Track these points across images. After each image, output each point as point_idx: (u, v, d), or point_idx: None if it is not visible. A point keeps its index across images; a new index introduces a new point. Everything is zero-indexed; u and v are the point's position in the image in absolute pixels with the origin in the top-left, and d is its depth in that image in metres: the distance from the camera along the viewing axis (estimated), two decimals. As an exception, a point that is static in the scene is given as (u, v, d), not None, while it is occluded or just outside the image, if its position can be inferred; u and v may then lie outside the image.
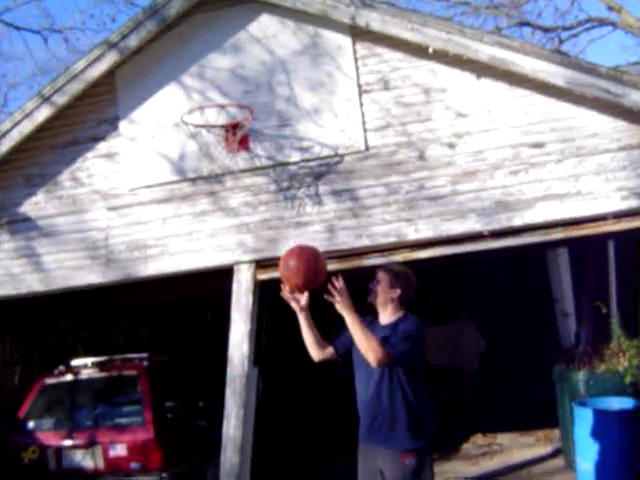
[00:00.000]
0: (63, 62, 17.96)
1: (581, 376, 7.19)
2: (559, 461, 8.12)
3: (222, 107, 7.33)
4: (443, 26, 6.99)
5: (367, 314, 4.80)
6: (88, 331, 11.10)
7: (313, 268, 4.59)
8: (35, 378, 8.38)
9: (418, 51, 7.13)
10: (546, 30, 18.45)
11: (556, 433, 8.58)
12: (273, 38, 7.48)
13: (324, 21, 7.28)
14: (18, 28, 18.39)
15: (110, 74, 7.73)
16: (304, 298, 4.65)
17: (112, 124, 7.82)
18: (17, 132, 7.78)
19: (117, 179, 7.79)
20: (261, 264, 7.39)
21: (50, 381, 8.10)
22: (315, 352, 4.79)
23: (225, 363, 7.27)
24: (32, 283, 7.92)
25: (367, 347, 4.37)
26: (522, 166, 6.98)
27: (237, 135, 7.26)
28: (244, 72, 7.52)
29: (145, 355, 8.20)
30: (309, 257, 4.63)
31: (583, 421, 6.62)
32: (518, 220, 6.92)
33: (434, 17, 7.10)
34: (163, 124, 7.66)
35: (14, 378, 9.56)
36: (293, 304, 4.65)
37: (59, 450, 7.62)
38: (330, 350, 4.80)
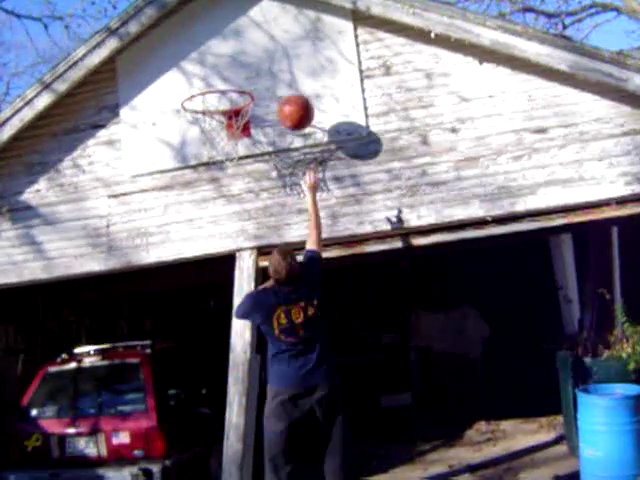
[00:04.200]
0: (65, 50, 17.90)
1: (584, 363, 7.17)
2: (562, 447, 8.11)
3: (223, 93, 7.30)
4: (445, 10, 6.95)
5: None
6: (91, 319, 11.09)
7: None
8: (38, 366, 8.38)
9: (420, 36, 7.09)
10: (550, 15, 18.33)
11: (559, 419, 8.57)
12: (274, 23, 7.43)
13: (325, 6, 7.24)
14: (19, 16, 18.35)
15: (110, 61, 7.69)
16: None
17: (113, 111, 7.79)
18: (17, 119, 7.76)
19: (118, 166, 7.77)
20: (263, 251, 7.37)
21: (53, 369, 8.11)
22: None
23: (227, 350, 7.27)
24: (34, 271, 7.91)
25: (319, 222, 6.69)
26: (525, 151, 6.94)
27: (239, 121, 7.23)
28: (245, 58, 7.48)
29: (148, 343, 8.19)
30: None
31: (586, 408, 6.60)
32: (521, 206, 6.89)
33: (436, 2, 7.03)
34: (164, 110, 7.62)
35: (17, 366, 9.57)
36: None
37: (62, 438, 7.65)
38: None
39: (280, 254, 6.01)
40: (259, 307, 6.07)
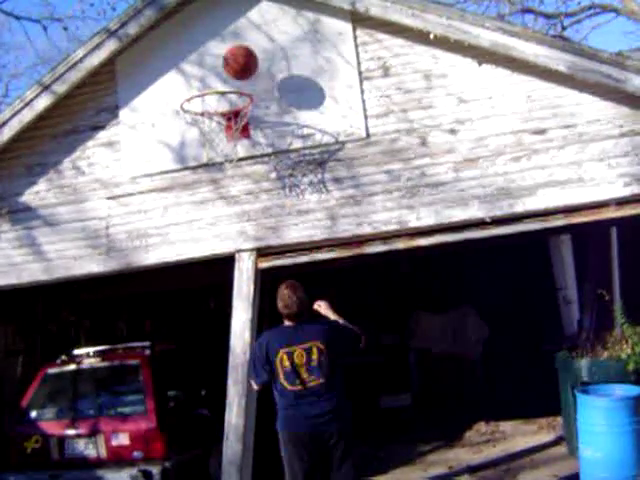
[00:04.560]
0: (64, 52, 17.90)
1: (584, 363, 7.17)
2: (562, 448, 8.11)
3: (222, 94, 7.30)
4: (444, 12, 6.95)
5: None
6: (90, 320, 11.09)
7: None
8: (38, 368, 8.37)
9: (419, 37, 7.09)
10: (549, 16, 18.34)
11: (559, 420, 8.57)
12: (273, 24, 7.43)
13: (324, 7, 7.24)
14: (18, 17, 18.34)
15: (110, 62, 7.70)
16: None
17: (112, 112, 7.80)
18: (17, 121, 7.76)
19: (118, 168, 7.77)
20: (262, 252, 7.38)
21: (52, 371, 8.11)
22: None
23: (227, 351, 7.27)
24: (34, 273, 7.91)
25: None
26: (524, 152, 6.94)
27: (238, 123, 7.23)
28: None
29: (147, 344, 8.18)
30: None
31: (586, 408, 6.60)
32: (520, 207, 6.89)
33: (435, 3, 7.04)
34: (163, 112, 7.63)
35: (17, 368, 9.56)
36: None
37: (62, 439, 7.64)
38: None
39: (290, 288, 5.61)
40: (265, 355, 5.59)
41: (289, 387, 5.49)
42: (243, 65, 7.12)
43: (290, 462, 5.54)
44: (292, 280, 5.80)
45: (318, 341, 5.49)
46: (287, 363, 5.47)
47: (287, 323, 5.64)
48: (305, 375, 5.46)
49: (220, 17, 7.53)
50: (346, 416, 5.58)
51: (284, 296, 5.59)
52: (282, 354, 5.49)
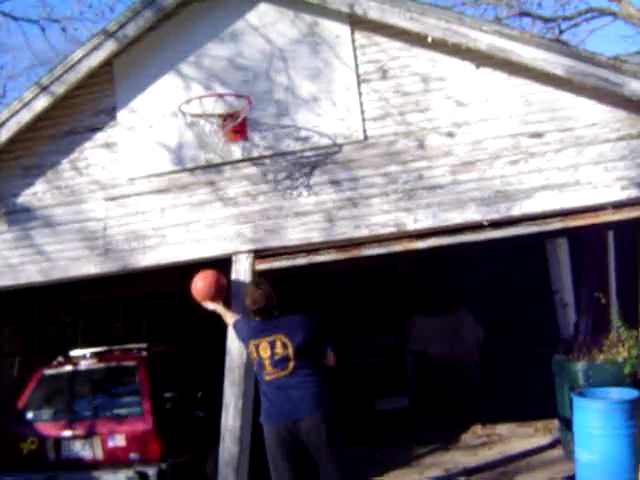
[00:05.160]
0: (62, 53, 17.88)
1: (580, 366, 7.18)
2: (558, 451, 8.11)
3: (220, 96, 7.31)
4: (442, 15, 6.96)
5: None
6: (87, 322, 11.08)
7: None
8: (34, 369, 8.36)
9: (417, 40, 7.11)
10: (546, 20, 18.38)
11: (555, 423, 8.57)
12: (271, 27, 7.44)
13: (322, 9, 7.25)
14: (16, 18, 18.30)
15: (108, 63, 7.69)
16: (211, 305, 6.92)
17: (110, 114, 7.79)
18: (15, 122, 7.75)
19: (115, 169, 7.77)
20: (260, 254, 7.38)
21: (49, 372, 8.10)
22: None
23: (224, 353, 7.26)
24: (31, 274, 7.90)
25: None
26: (521, 156, 6.96)
27: (235, 124, 7.24)
28: (242, 61, 7.48)
29: (144, 345, 8.18)
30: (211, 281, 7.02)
31: (582, 412, 6.61)
32: (517, 210, 6.90)
33: (433, 6, 7.06)
34: (161, 113, 7.63)
35: (13, 369, 9.55)
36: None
37: (58, 441, 7.64)
38: None
39: (253, 284, 6.23)
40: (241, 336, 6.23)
41: (259, 377, 5.94)
42: (200, 290, 7.06)
43: (272, 459, 5.79)
44: (258, 277, 6.39)
45: (282, 334, 5.80)
46: (255, 355, 5.89)
47: (256, 318, 6.05)
48: (269, 368, 5.79)
49: (218, 19, 7.54)
50: (325, 411, 5.71)
51: (251, 292, 6.02)
52: (251, 346, 5.92)
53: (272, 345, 5.79)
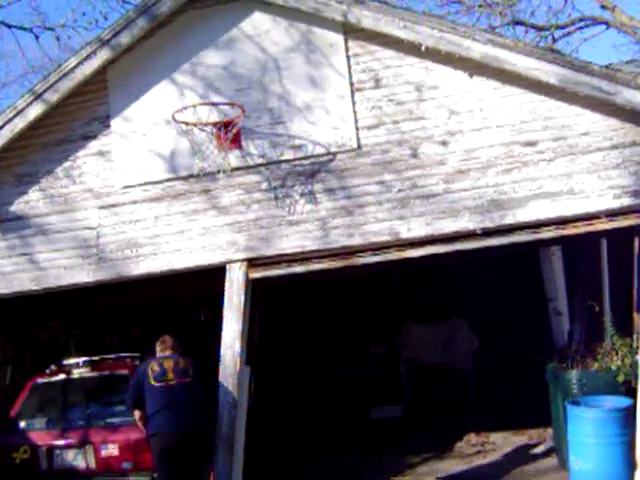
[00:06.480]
0: (55, 61, 17.89)
1: (574, 375, 7.18)
2: (552, 460, 8.11)
3: (214, 105, 7.31)
4: (435, 24, 6.99)
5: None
6: (80, 330, 11.03)
7: None
8: (27, 378, 8.33)
9: (410, 49, 7.13)
10: (539, 29, 18.43)
11: (549, 432, 8.57)
12: (265, 36, 7.46)
13: (316, 18, 7.27)
14: (9, 26, 18.24)
15: (102, 71, 7.71)
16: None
17: (104, 122, 7.80)
18: (8, 130, 7.75)
19: (109, 177, 7.77)
20: (253, 263, 7.38)
21: (42, 380, 8.07)
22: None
23: (217, 362, 7.25)
24: (24, 282, 7.89)
25: None
26: (514, 164, 6.97)
27: (229, 133, 7.24)
28: (236, 70, 7.50)
29: (137, 355, 8.16)
30: None
31: (576, 420, 6.61)
32: (510, 218, 6.91)
33: (426, 15, 7.09)
34: (155, 122, 7.63)
35: (6, 378, 9.50)
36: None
37: (51, 450, 7.59)
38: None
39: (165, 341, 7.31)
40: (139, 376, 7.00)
41: (157, 383, 6.80)
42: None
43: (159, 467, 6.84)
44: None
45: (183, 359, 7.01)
46: (157, 368, 6.86)
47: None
48: (171, 375, 6.83)
49: (213, 28, 7.54)
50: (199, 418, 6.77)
51: (164, 337, 7.32)
52: (153, 364, 6.95)
53: (177, 362, 7.04)
